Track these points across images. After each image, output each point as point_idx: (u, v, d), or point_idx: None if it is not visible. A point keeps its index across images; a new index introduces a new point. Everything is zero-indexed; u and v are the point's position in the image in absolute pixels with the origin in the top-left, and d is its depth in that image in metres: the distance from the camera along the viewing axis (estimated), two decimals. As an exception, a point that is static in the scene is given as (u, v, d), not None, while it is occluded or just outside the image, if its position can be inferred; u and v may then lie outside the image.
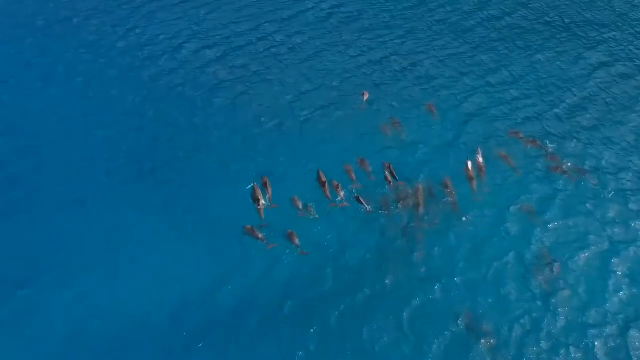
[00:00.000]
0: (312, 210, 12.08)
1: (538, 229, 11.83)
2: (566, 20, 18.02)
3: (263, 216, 11.90)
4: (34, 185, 13.11)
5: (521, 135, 13.90)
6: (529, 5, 18.95)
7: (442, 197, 12.34)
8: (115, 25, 18.37)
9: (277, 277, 11.20)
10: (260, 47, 17.47)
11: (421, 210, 12.03)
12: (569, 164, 13.17)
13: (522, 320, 10.41)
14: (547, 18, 18.23)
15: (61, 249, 11.66)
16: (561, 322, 10.40)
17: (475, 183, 12.45)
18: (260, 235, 11.45)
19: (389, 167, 12.67)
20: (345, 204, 12.13)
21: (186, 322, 10.52)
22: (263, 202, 12.06)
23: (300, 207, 12.06)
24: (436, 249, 11.53)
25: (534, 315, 10.49)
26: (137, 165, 13.54)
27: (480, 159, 12.87)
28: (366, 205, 12.10)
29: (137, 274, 11.24)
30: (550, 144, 13.72)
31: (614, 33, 17.46)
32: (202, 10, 19.11)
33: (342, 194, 12.24)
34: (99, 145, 14.05)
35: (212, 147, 14.10)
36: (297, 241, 11.41)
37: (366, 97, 15.01)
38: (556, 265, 11.09)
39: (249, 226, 11.65)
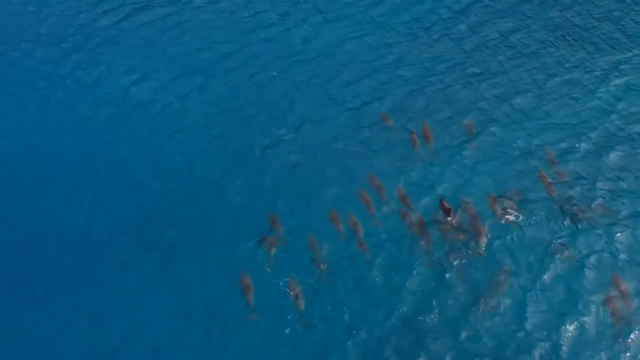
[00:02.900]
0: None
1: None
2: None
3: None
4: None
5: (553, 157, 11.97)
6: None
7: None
8: (57, 62, 15.52)
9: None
10: (235, 76, 14.82)
11: (482, 246, 10.26)
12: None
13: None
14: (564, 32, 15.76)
15: None
16: None
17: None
18: (250, 299, 9.63)
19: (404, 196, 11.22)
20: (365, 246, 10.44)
21: None
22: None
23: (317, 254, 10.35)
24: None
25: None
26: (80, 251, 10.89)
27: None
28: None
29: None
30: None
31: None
32: (164, 36, 16.33)
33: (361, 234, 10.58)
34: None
35: (185, 213, 11.60)
36: (302, 305, 9.58)
37: (388, 119, 13.03)
38: None
39: (247, 279, 9.82)
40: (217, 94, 14.36)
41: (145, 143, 13.15)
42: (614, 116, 13.07)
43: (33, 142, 13.25)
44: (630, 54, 14.64)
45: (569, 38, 15.41)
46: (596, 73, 14.14)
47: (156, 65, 15.28)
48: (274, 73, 14.85)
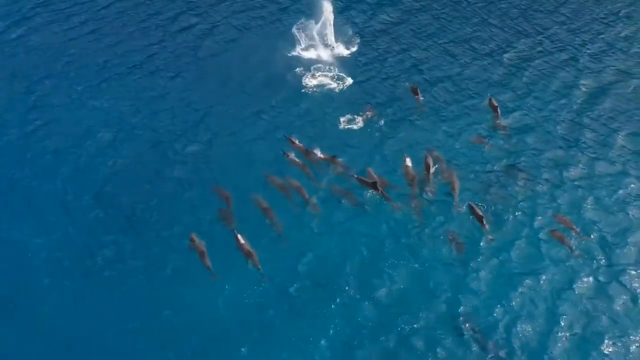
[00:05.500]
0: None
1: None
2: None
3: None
4: None
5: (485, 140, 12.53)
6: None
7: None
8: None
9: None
10: (144, 82, 14.09)
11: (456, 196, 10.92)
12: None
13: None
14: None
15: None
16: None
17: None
18: (207, 262, 9.80)
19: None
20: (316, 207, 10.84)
21: None
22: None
23: (264, 205, 10.60)
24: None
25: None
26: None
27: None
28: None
29: None
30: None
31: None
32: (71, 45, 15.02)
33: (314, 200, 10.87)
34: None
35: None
36: (258, 264, 9.77)
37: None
38: None
39: (202, 247, 9.94)
40: (130, 100, 13.61)
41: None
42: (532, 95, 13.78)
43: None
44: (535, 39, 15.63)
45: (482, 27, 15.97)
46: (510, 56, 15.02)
47: (63, 76, 14.27)
48: (188, 75, 14.38)
